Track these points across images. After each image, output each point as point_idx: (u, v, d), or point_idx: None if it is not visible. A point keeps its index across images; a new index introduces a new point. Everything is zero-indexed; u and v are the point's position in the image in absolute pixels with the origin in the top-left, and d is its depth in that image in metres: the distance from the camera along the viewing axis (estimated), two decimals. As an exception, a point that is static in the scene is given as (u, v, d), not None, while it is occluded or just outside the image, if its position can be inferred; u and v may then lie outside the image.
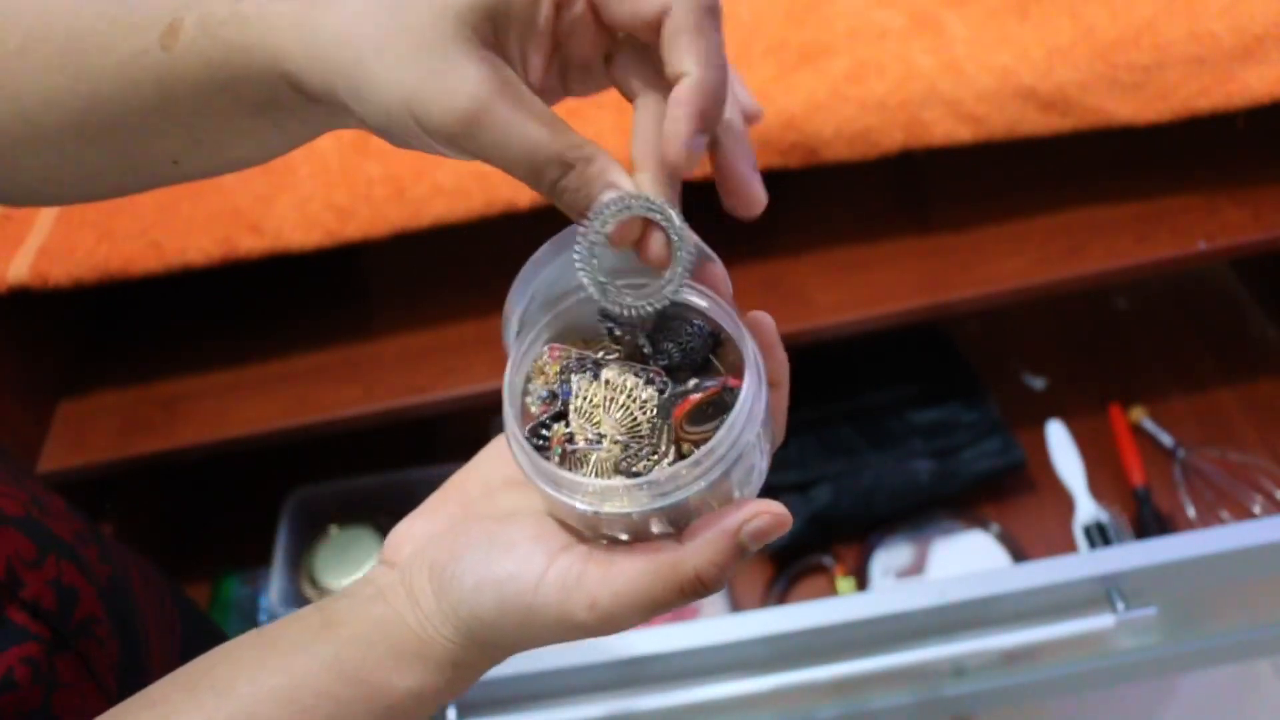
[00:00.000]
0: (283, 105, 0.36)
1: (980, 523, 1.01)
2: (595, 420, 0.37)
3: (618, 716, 0.78)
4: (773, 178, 0.79)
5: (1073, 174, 0.90)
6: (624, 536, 0.36)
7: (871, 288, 0.86)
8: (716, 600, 0.98)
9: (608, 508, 0.35)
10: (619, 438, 0.36)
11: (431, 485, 0.42)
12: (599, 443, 0.36)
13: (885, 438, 1.04)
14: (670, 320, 0.38)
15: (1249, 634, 0.89)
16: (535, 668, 0.76)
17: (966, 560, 1.00)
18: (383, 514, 1.05)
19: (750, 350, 0.36)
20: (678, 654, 0.76)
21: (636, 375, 0.37)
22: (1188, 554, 0.76)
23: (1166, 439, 1.06)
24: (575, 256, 0.36)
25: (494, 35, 0.34)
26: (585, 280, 0.36)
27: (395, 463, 1.05)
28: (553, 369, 0.39)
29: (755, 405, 0.36)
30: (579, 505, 0.35)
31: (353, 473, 1.06)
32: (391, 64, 0.33)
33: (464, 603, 0.36)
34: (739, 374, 0.36)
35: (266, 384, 0.88)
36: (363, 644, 0.37)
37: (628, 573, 0.35)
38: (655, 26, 0.34)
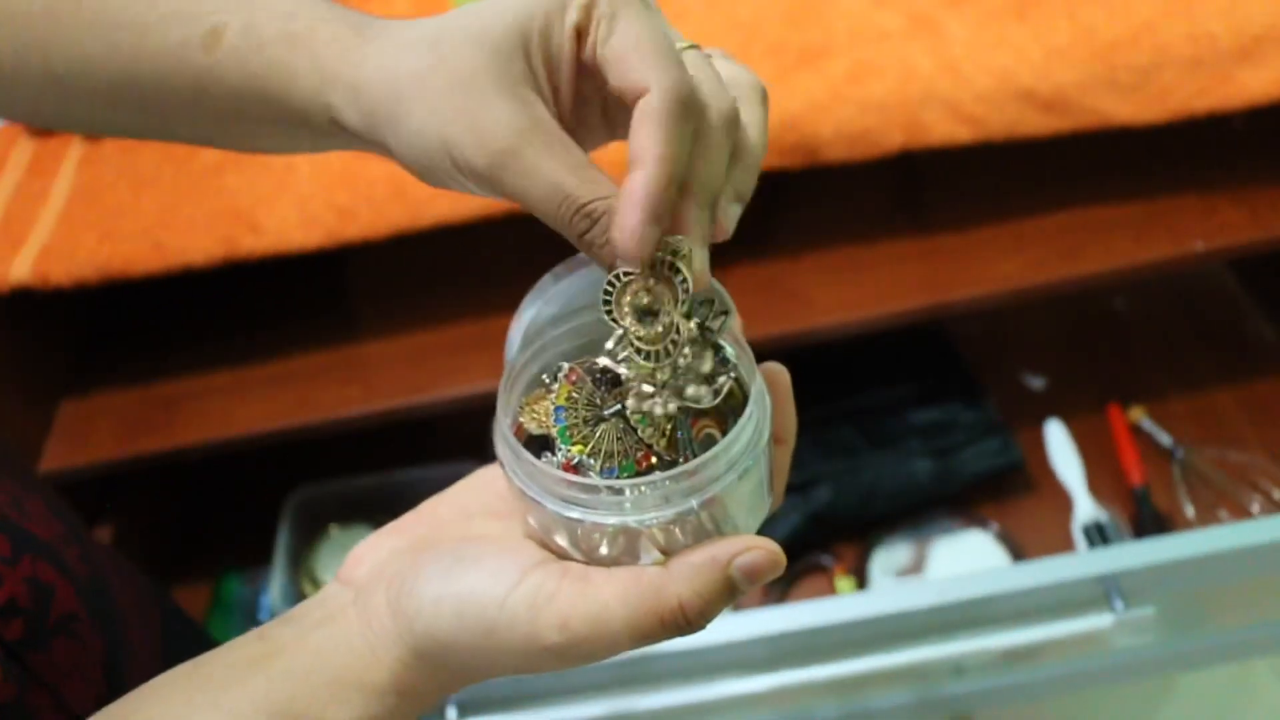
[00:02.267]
0: (317, 128, 0.35)
1: (979, 522, 1.02)
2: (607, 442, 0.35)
3: (618, 716, 0.78)
4: (772, 178, 0.79)
5: (1071, 175, 0.91)
6: (606, 554, 0.34)
7: (871, 288, 0.86)
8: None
9: (594, 516, 0.32)
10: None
11: (432, 485, 0.41)
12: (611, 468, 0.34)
13: (884, 437, 1.04)
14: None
15: (1247, 634, 0.89)
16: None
17: (966, 559, 1.00)
18: (383, 514, 1.05)
19: (759, 385, 0.35)
20: (678, 654, 0.76)
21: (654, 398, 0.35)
22: (1186, 554, 0.77)
23: (1165, 438, 1.06)
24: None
25: (526, 64, 0.33)
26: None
27: (395, 463, 1.05)
28: (562, 391, 0.36)
29: (760, 430, 0.34)
30: (563, 511, 0.33)
31: (353, 473, 1.06)
32: (430, 103, 0.32)
33: (420, 618, 0.34)
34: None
35: (267, 384, 0.88)
36: (297, 676, 0.34)
37: (605, 593, 0.32)
38: (634, 101, 0.32)
